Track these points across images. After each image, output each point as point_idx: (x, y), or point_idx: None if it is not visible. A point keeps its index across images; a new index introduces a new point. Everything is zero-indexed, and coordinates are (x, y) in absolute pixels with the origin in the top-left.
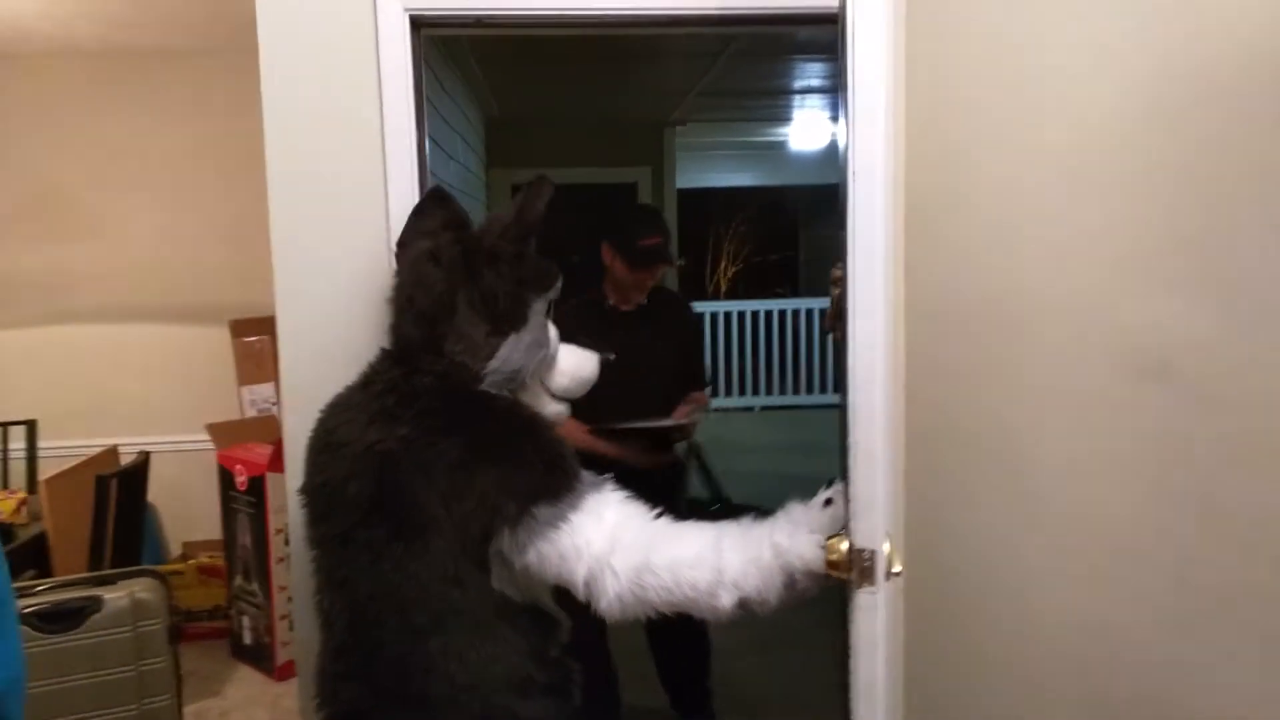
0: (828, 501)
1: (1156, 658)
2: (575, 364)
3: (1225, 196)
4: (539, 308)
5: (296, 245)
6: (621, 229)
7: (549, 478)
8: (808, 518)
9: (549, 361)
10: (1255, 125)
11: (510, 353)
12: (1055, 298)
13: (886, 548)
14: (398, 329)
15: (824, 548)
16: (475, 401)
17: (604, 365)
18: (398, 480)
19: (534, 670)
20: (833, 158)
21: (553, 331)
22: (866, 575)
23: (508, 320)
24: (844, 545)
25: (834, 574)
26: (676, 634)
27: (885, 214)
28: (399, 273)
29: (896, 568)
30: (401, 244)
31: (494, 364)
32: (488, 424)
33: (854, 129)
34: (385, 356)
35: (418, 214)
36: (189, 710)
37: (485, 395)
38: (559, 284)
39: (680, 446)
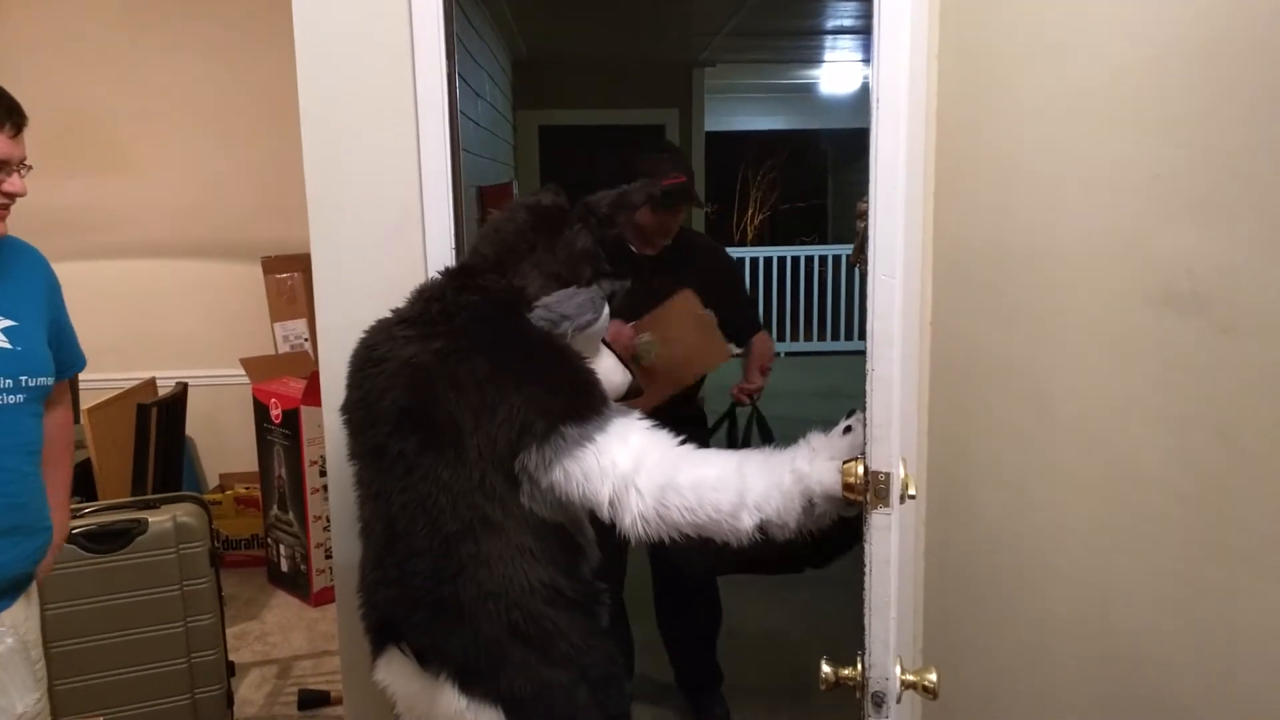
0: (847, 430)
1: (1178, 587)
2: (610, 369)
3: (1257, 125)
4: (605, 286)
5: (329, 179)
6: (643, 171)
7: (577, 399)
8: (828, 445)
9: (592, 337)
10: None
11: (564, 299)
12: (1084, 228)
13: (901, 471)
14: (473, 250)
15: (842, 472)
16: (513, 323)
17: (619, 312)
18: (429, 392)
19: (562, 583)
20: (864, 101)
21: (606, 312)
22: (881, 496)
23: (574, 271)
24: (860, 469)
25: (850, 496)
26: (687, 600)
27: (907, 142)
28: (493, 215)
29: (911, 491)
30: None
31: (547, 300)
32: (521, 344)
33: (879, 54)
34: (446, 271)
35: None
36: (230, 632)
37: (525, 320)
38: (628, 283)
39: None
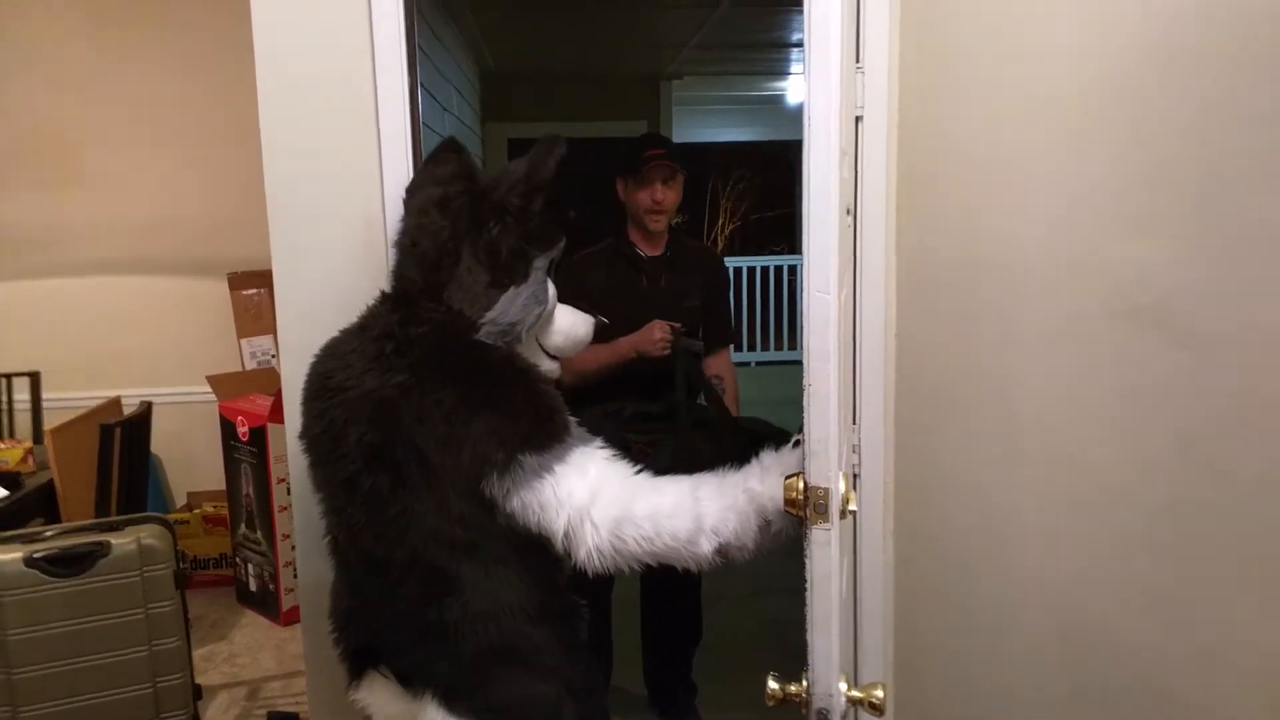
0: (797, 444)
1: (1139, 591)
2: (570, 324)
3: (1216, 142)
4: (540, 264)
5: (290, 195)
6: (625, 149)
7: (538, 428)
8: (778, 461)
9: (546, 319)
10: (1245, 71)
11: (508, 305)
12: (1047, 241)
13: (841, 486)
14: (399, 272)
15: (785, 487)
16: (471, 351)
17: (622, 312)
18: (397, 428)
19: (544, 598)
20: None
21: (551, 289)
22: (821, 512)
23: (508, 273)
24: (801, 484)
25: (791, 511)
26: (670, 615)
27: (837, 157)
28: (406, 217)
29: (853, 506)
30: (411, 190)
31: (491, 314)
32: (483, 373)
33: (810, 69)
34: (384, 300)
35: (430, 161)
36: (198, 654)
37: (481, 345)
38: (562, 245)
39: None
